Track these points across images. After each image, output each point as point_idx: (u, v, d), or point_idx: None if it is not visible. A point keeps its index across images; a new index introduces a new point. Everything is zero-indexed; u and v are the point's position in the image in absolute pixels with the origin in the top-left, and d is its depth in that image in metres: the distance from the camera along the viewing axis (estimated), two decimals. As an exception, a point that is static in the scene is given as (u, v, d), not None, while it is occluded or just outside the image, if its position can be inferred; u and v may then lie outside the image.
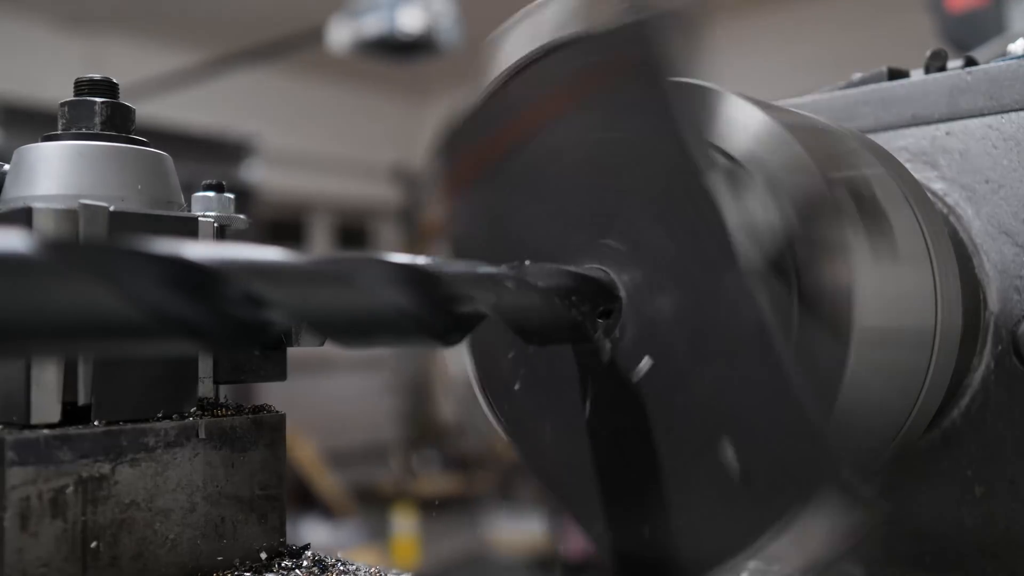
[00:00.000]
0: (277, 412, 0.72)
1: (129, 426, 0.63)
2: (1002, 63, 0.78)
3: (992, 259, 0.76)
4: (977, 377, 0.75)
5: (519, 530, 6.28)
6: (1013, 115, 0.76)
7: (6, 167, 0.70)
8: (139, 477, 0.63)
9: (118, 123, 0.71)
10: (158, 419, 0.65)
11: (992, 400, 0.75)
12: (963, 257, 0.76)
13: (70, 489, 0.60)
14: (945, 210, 0.78)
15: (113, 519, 0.61)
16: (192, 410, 0.67)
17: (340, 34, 5.59)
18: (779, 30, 7.91)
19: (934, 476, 0.77)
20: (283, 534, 0.70)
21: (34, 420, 0.61)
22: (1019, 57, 0.80)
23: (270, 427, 0.70)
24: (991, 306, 0.76)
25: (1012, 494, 0.73)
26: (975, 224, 0.77)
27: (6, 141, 5.36)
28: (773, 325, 0.54)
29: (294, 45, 6.86)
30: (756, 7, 7.84)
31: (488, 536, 6.58)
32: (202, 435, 0.66)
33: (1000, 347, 0.75)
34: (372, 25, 5.35)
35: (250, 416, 0.69)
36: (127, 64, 7.74)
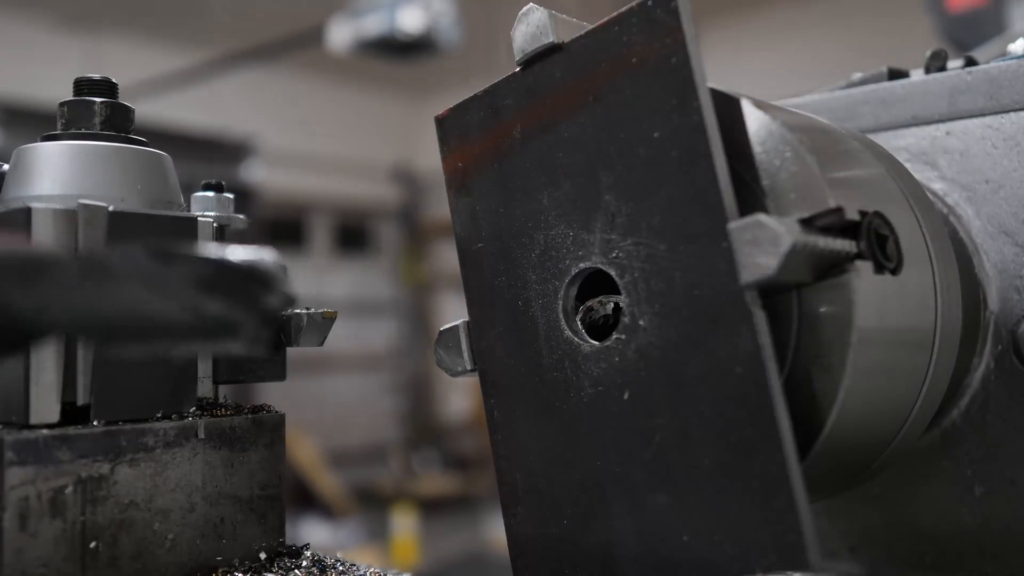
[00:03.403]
0: (276, 412, 0.72)
1: (128, 426, 0.63)
2: (1002, 63, 0.78)
3: (992, 259, 0.76)
4: (977, 377, 0.75)
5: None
6: (1013, 115, 0.76)
7: (5, 167, 0.70)
8: (138, 477, 0.63)
9: (117, 123, 0.71)
10: (157, 419, 0.65)
11: (992, 400, 0.75)
12: (963, 257, 0.76)
13: (69, 489, 0.60)
14: (945, 210, 0.78)
15: (112, 519, 0.61)
16: (191, 410, 0.67)
17: (340, 34, 5.59)
18: (779, 30, 7.91)
19: (934, 476, 0.77)
20: (282, 534, 0.70)
21: (33, 420, 0.60)
22: (1019, 57, 0.80)
23: (269, 427, 0.70)
24: (991, 306, 0.76)
25: (1012, 494, 0.73)
26: (975, 224, 0.77)
27: (6, 141, 5.36)
28: (768, 357, 0.54)
29: (294, 45, 6.87)
30: (756, 7, 7.84)
31: (488, 536, 6.58)
32: (201, 435, 0.66)
33: (1000, 347, 0.75)
34: (372, 25, 5.35)
35: (249, 416, 0.69)
36: (127, 64, 7.73)
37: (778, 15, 7.91)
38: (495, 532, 6.37)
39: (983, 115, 0.77)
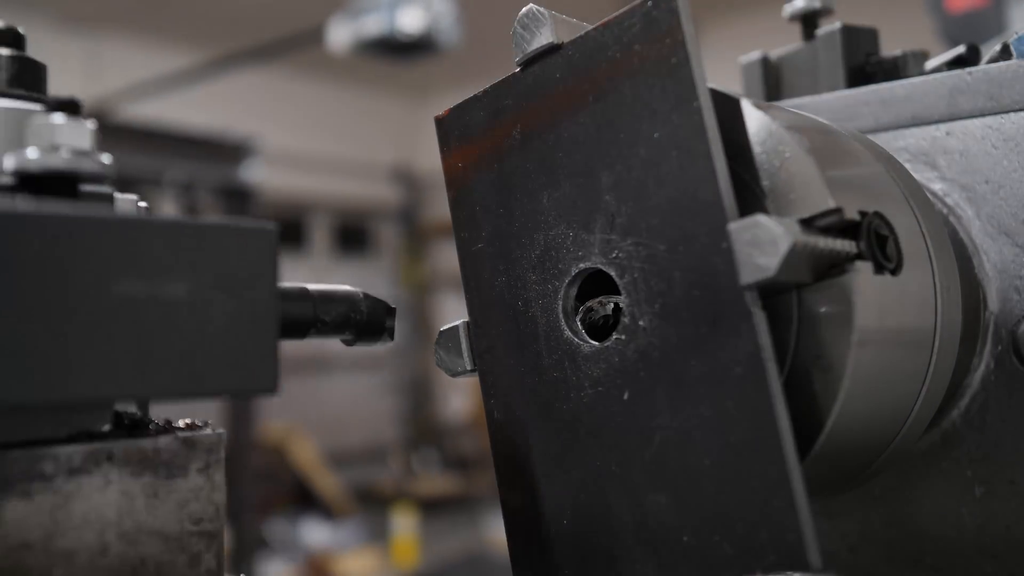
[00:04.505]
0: (215, 431, 0.59)
1: (18, 451, 0.50)
2: (1002, 63, 0.78)
3: (992, 259, 0.76)
4: (977, 377, 0.75)
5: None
6: (1013, 115, 0.76)
7: None
8: (33, 513, 0.50)
9: (28, 81, 0.60)
10: (59, 440, 0.52)
11: (992, 400, 0.75)
12: (963, 257, 0.76)
13: None
14: (945, 210, 0.78)
15: None
16: (105, 428, 0.56)
17: (340, 34, 5.59)
18: (779, 30, 7.88)
19: (934, 476, 0.77)
20: None
21: None
22: (1019, 57, 0.80)
23: (205, 448, 0.57)
24: (991, 306, 0.76)
25: (1012, 494, 0.73)
26: (975, 224, 0.77)
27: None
28: (768, 355, 0.54)
29: (294, 45, 6.87)
30: (756, 7, 7.84)
31: (488, 536, 6.58)
32: (118, 459, 0.54)
33: (1000, 347, 0.75)
34: (372, 25, 5.35)
35: (178, 435, 0.57)
36: (127, 64, 7.73)
37: (778, 15, 7.89)
38: (495, 532, 6.38)
39: (983, 115, 0.77)
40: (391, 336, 0.65)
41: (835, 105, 0.86)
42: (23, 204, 0.46)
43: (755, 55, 0.97)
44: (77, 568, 0.52)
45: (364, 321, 0.64)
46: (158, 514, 0.55)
